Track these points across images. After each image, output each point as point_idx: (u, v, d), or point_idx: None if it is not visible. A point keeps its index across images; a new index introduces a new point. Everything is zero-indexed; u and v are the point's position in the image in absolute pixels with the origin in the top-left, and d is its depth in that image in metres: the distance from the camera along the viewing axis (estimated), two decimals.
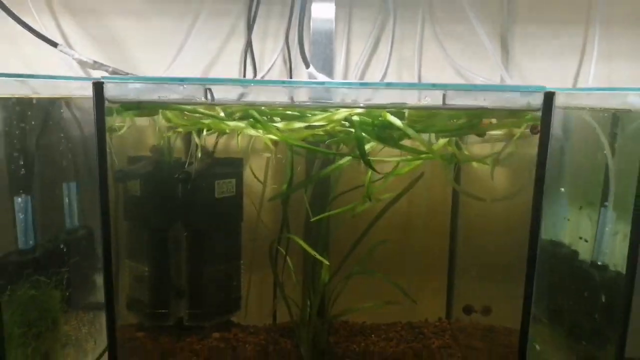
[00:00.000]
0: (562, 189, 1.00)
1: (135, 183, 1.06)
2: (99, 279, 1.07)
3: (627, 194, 0.79)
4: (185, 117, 0.84)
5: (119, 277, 1.05)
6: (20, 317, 0.89)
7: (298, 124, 0.79)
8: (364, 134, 0.80)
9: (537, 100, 0.71)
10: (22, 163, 0.90)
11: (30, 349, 0.91)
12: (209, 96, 0.72)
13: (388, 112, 0.75)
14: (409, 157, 0.86)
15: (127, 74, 1.19)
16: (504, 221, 1.02)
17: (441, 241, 1.25)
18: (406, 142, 0.86)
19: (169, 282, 1.11)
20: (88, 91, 0.75)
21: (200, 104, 0.76)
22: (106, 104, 0.71)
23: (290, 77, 1.25)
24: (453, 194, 1.23)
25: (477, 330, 1.10)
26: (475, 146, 1.04)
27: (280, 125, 0.80)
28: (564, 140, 1.00)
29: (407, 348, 1.12)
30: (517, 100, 0.73)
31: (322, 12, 1.19)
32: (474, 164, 0.99)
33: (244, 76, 1.24)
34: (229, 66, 1.26)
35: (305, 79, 1.20)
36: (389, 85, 0.76)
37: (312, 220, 0.96)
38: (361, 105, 0.71)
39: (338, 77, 1.25)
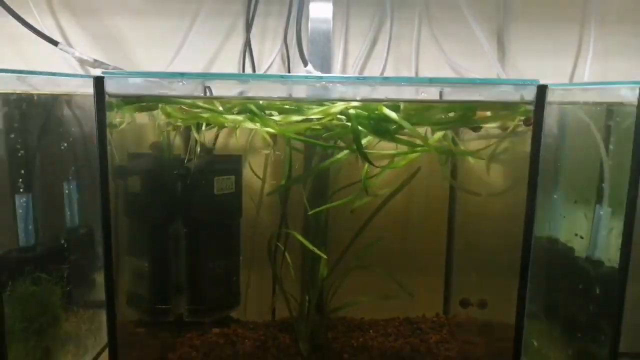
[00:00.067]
0: (559, 186, 1.01)
1: (135, 179, 1.07)
2: (99, 276, 1.08)
3: (623, 190, 0.80)
4: (185, 112, 0.84)
5: (119, 273, 1.06)
6: (21, 313, 0.90)
7: (295, 117, 0.79)
8: (360, 128, 0.81)
9: (531, 94, 0.72)
10: (23, 159, 0.90)
11: (31, 344, 0.91)
12: (207, 93, 0.73)
13: (384, 105, 0.76)
14: (406, 150, 0.87)
15: None
16: (501, 217, 1.03)
17: (438, 237, 1.26)
18: (402, 137, 0.88)
19: (168, 278, 1.12)
20: (89, 90, 0.77)
21: (200, 97, 0.77)
22: (107, 98, 0.72)
23: None
24: (450, 190, 1.24)
25: (474, 325, 1.10)
26: (471, 143, 1.05)
27: (277, 118, 0.81)
28: (559, 137, 1.01)
29: (405, 343, 1.12)
30: (511, 95, 0.74)
31: (320, 12, 1.20)
32: (470, 159, 1.00)
33: None
34: (228, 65, 1.27)
35: None
36: (386, 79, 0.77)
37: (309, 213, 0.96)
38: (357, 98, 0.71)
39: None
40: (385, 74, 1.28)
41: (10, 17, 1.17)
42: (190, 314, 1.13)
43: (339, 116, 0.83)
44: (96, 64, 1.21)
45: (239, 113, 0.82)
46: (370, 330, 1.18)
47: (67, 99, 1.02)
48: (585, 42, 1.28)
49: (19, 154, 0.90)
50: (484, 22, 1.26)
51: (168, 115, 0.88)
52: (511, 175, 1.01)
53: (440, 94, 0.71)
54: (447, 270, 1.27)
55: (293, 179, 1.00)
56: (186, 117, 0.85)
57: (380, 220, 1.07)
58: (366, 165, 0.90)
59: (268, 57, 1.28)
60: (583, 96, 0.92)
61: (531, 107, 0.72)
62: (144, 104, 0.82)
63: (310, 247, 0.97)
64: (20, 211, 0.91)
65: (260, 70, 1.27)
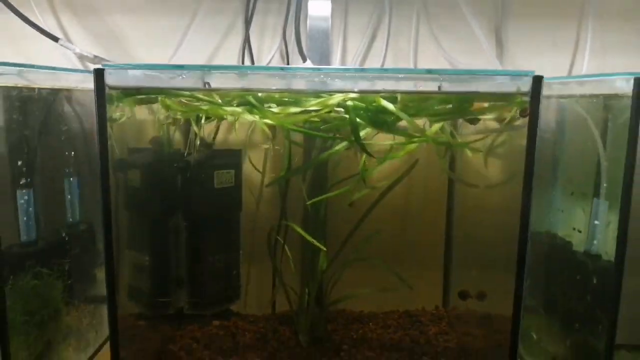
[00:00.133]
0: (556, 180, 1.02)
1: (136, 173, 1.08)
2: (100, 271, 1.09)
3: (620, 184, 0.80)
4: (184, 105, 0.85)
5: (120, 267, 1.07)
6: (22, 307, 0.91)
7: (294, 109, 0.80)
8: (358, 119, 0.82)
9: (527, 85, 0.73)
10: (24, 154, 0.91)
11: (32, 337, 0.92)
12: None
13: (381, 97, 0.77)
14: (403, 140, 0.88)
15: None
16: (500, 209, 1.04)
17: (437, 230, 1.27)
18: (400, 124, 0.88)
19: (168, 272, 1.13)
20: (89, 85, 0.77)
21: (199, 90, 0.77)
22: (107, 90, 0.73)
23: None
24: (449, 184, 1.25)
25: (473, 317, 1.11)
26: (469, 138, 1.06)
27: (276, 109, 0.82)
28: (557, 131, 1.02)
29: (404, 335, 1.13)
30: (507, 86, 0.74)
31: (319, 8, 1.21)
32: (468, 152, 1.01)
33: None
34: (228, 62, 1.28)
35: None
36: (384, 70, 0.78)
37: (308, 203, 0.97)
38: (355, 90, 0.72)
39: None
40: None
41: (12, 14, 1.19)
42: (191, 307, 1.14)
43: (337, 109, 0.84)
44: (96, 60, 1.22)
45: (238, 106, 0.83)
46: (370, 323, 1.19)
47: (68, 95, 1.03)
48: (582, 38, 1.28)
49: (20, 149, 0.91)
50: (482, 19, 1.27)
51: (167, 107, 0.88)
52: (510, 168, 1.02)
53: (439, 89, 0.73)
54: (446, 263, 1.28)
55: (292, 170, 1.01)
56: (186, 109, 0.86)
57: (379, 213, 1.07)
58: (364, 156, 0.90)
59: (267, 54, 1.29)
60: (579, 90, 0.93)
61: (527, 98, 0.72)
62: (143, 96, 0.83)
63: (309, 239, 0.98)
64: (22, 202, 0.91)
65: None
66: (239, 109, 0.82)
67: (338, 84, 0.75)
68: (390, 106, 0.77)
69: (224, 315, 1.19)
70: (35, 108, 0.95)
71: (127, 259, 1.12)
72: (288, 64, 1.28)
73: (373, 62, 1.30)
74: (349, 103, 0.79)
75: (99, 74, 0.73)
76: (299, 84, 0.77)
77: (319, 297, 1.11)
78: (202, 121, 1.00)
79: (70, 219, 1.04)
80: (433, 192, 1.26)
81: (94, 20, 1.28)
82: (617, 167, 0.79)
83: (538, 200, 1.02)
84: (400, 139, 0.88)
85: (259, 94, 0.81)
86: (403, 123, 0.89)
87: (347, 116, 0.81)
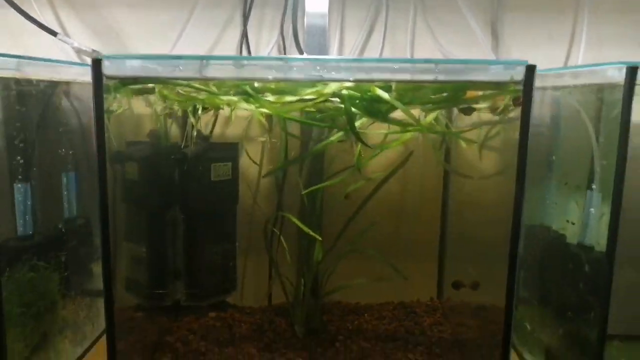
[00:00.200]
0: (550, 172, 1.02)
1: (133, 166, 1.08)
2: (97, 265, 1.10)
3: (612, 175, 0.81)
4: (181, 95, 0.86)
5: (117, 259, 1.07)
6: (19, 298, 0.91)
7: (289, 97, 0.81)
8: (353, 109, 0.82)
9: (520, 74, 0.74)
10: (21, 147, 0.92)
11: (28, 328, 0.92)
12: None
13: (376, 86, 0.78)
14: (398, 130, 0.88)
15: None
16: (494, 202, 1.04)
17: (433, 223, 1.28)
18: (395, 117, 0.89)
19: (165, 264, 1.14)
20: (87, 78, 0.78)
21: (196, 79, 0.78)
22: (104, 80, 0.74)
23: None
24: (444, 176, 1.26)
25: (468, 308, 1.12)
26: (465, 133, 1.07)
27: (272, 99, 0.82)
28: (551, 124, 1.03)
29: (399, 326, 1.14)
30: (501, 76, 0.75)
31: (316, 3, 1.21)
32: (463, 143, 1.01)
33: None
34: None
35: None
36: (380, 60, 0.79)
37: (303, 192, 0.98)
38: (350, 79, 0.73)
39: None
40: None
41: (10, 9, 1.19)
42: (188, 298, 1.15)
43: (332, 99, 0.85)
44: (94, 54, 1.22)
45: (234, 96, 0.84)
46: (365, 314, 1.20)
47: (66, 89, 1.03)
48: (578, 31, 1.29)
49: (18, 143, 0.91)
50: (478, 12, 1.27)
51: (165, 98, 0.89)
52: (504, 161, 1.02)
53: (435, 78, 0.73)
54: (440, 255, 1.29)
55: (289, 160, 1.02)
56: (183, 99, 0.87)
57: (374, 206, 1.08)
58: (359, 146, 0.91)
59: (265, 48, 1.30)
60: (573, 81, 0.94)
61: (520, 87, 0.73)
62: (140, 86, 0.84)
63: (305, 229, 0.98)
64: (19, 196, 0.91)
65: None
66: (235, 98, 0.83)
67: (334, 75, 0.76)
68: (385, 95, 0.78)
69: (221, 307, 1.19)
70: (34, 101, 0.95)
71: (124, 251, 1.13)
72: None
73: (370, 55, 1.31)
74: (344, 92, 0.79)
75: (96, 64, 0.74)
76: (295, 76, 0.78)
77: (315, 289, 1.12)
78: (199, 112, 1.00)
79: (68, 213, 1.05)
80: (428, 185, 1.27)
81: (92, 15, 1.29)
82: (611, 159, 0.80)
83: (532, 193, 1.02)
84: (395, 128, 0.89)
85: (256, 84, 0.81)
86: (397, 115, 0.90)
87: (342, 106, 0.82)
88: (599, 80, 0.84)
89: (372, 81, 0.76)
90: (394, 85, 0.78)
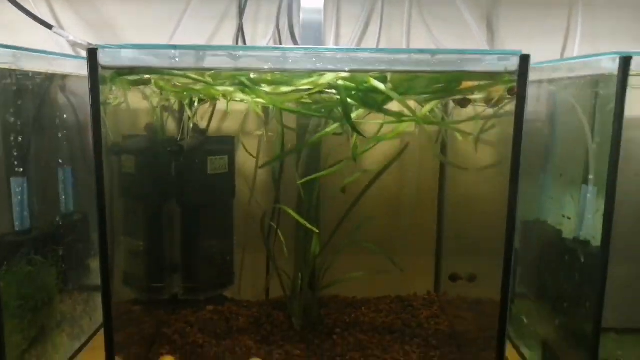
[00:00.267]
0: (546, 167, 1.03)
1: (130, 159, 1.08)
2: (94, 260, 1.10)
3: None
4: (177, 86, 0.86)
5: (114, 253, 1.07)
6: (17, 291, 0.91)
7: (285, 88, 0.81)
8: (349, 100, 0.82)
9: (514, 64, 0.74)
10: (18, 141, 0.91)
11: (26, 320, 0.92)
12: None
13: (372, 77, 0.78)
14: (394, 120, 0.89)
15: None
16: (490, 196, 1.05)
17: (430, 217, 1.29)
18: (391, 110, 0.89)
19: (162, 258, 1.14)
20: (83, 71, 0.78)
21: (192, 69, 0.78)
22: (100, 70, 0.74)
23: None
24: (440, 171, 1.26)
25: (465, 302, 1.12)
26: (461, 126, 1.07)
27: (268, 89, 0.83)
28: (547, 119, 1.03)
29: (396, 319, 1.15)
30: (495, 66, 0.75)
31: None
32: (458, 136, 1.02)
33: None
34: None
35: None
36: (376, 50, 0.79)
37: (299, 182, 0.98)
38: (346, 69, 0.73)
39: None
40: None
41: (6, 3, 1.19)
42: (185, 292, 1.15)
43: (328, 90, 0.85)
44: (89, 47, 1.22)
45: (230, 86, 0.84)
46: (363, 308, 1.21)
47: (62, 84, 1.03)
48: (573, 26, 1.30)
49: (14, 137, 0.91)
50: (474, 6, 1.28)
51: (161, 89, 0.89)
52: (500, 155, 1.03)
53: None
54: (437, 250, 1.29)
55: (286, 151, 1.02)
56: (179, 90, 0.87)
57: (371, 200, 1.09)
58: (355, 136, 0.91)
59: (261, 42, 1.29)
60: (568, 74, 0.94)
61: (515, 77, 0.73)
62: (137, 77, 0.84)
63: (301, 221, 0.99)
64: (16, 192, 0.91)
65: None
66: (231, 89, 0.83)
67: (330, 66, 0.76)
68: (380, 86, 0.78)
69: (218, 300, 1.20)
70: (29, 94, 0.95)
71: (122, 245, 1.13)
72: None
73: None
74: (340, 83, 0.79)
75: (92, 53, 0.74)
76: (291, 67, 0.78)
77: (312, 282, 1.12)
78: (196, 104, 1.00)
79: (65, 207, 1.05)
80: (425, 179, 1.27)
81: (88, 8, 1.28)
82: (606, 153, 0.80)
83: (529, 188, 1.03)
84: (391, 120, 0.89)
85: (252, 75, 0.82)
86: (393, 106, 0.90)
87: (338, 97, 0.82)
88: (593, 72, 0.84)
89: (367, 71, 0.77)
90: (389, 76, 0.78)
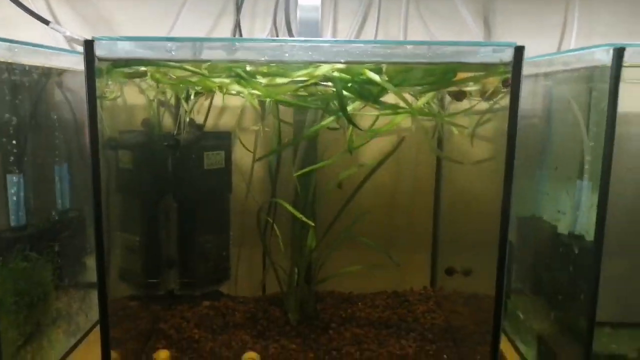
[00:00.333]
0: (541, 163, 1.03)
1: (126, 154, 1.08)
2: (90, 257, 1.10)
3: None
4: (174, 78, 0.86)
5: (110, 248, 1.07)
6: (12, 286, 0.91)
7: (281, 80, 0.81)
8: (345, 92, 0.83)
9: (508, 56, 0.74)
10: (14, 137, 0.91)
11: (22, 316, 0.92)
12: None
13: (367, 68, 0.78)
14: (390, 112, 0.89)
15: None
16: (486, 191, 1.05)
17: (426, 213, 1.29)
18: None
19: (159, 253, 1.14)
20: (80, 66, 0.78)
21: (188, 61, 0.78)
22: (96, 62, 0.74)
23: None
24: (437, 165, 1.26)
25: (461, 297, 1.12)
26: (457, 118, 1.07)
27: (263, 81, 0.83)
28: (542, 115, 1.04)
29: (392, 314, 1.15)
30: (490, 58, 0.75)
31: None
32: (455, 130, 1.02)
33: None
34: None
35: None
36: (373, 42, 0.79)
37: (295, 174, 0.98)
38: (341, 60, 0.73)
39: None
40: None
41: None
42: (181, 287, 1.15)
43: (323, 83, 0.85)
44: None
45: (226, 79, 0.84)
46: (359, 303, 1.21)
47: (58, 80, 1.03)
48: (570, 20, 1.30)
49: (10, 132, 0.91)
50: (470, 2, 1.28)
51: (157, 81, 0.89)
52: (495, 149, 1.03)
53: None
54: (434, 245, 1.29)
55: (283, 145, 1.02)
56: (175, 82, 0.87)
57: (367, 195, 1.09)
58: (350, 128, 0.92)
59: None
60: (564, 68, 0.94)
61: (509, 69, 0.74)
62: (133, 70, 0.84)
63: (297, 215, 0.99)
64: (12, 187, 0.91)
65: None
66: (227, 80, 0.83)
67: (325, 59, 0.76)
68: (376, 77, 0.78)
69: (214, 296, 1.20)
70: (26, 89, 0.95)
71: (118, 241, 1.13)
72: None
73: None
74: (335, 74, 0.80)
75: (88, 45, 0.74)
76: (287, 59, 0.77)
77: (308, 277, 1.12)
78: (192, 97, 1.00)
79: (61, 203, 1.05)
80: (421, 174, 1.28)
81: (84, 4, 1.28)
82: (600, 148, 0.79)
83: (526, 185, 1.04)
84: (387, 112, 0.90)
85: (248, 67, 0.82)
86: (388, 99, 0.90)
87: (334, 89, 0.82)
88: (587, 64, 0.85)
89: (363, 63, 0.77)
90: (384, 68, 0.78)
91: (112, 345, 0.84)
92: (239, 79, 0.81)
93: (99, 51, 0.75)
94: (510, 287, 1.08)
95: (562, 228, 0.95)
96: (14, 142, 0.90)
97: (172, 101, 1.14)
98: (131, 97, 1.04)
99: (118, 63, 0.79)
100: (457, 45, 0.75)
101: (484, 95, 0.87)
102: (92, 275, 0.98)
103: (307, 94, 0.89)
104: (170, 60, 0.77)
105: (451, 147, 1.17)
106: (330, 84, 0.86)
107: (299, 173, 0.97)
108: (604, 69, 0.76)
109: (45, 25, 1.23)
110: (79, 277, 1.09)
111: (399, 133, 1.12)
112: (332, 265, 1.15)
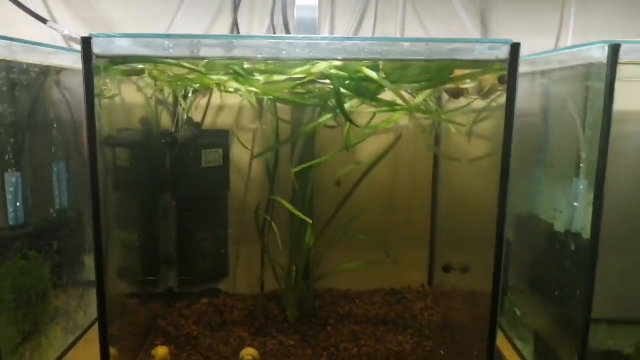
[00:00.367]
0: (538, 161, 1.03)
1: (124, 152, 1.08)
2: (89, 255, 1.10)
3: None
4: (171, 75, 0.87)
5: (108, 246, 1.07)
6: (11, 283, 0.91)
7: (278, 77, 0.82)
8: (342, 89, 0.83)
9: (504, 53, 0.75)
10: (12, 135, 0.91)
11: (20, 313, 0.93)
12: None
13: (364, 66, 0.79)
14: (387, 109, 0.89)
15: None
16: (483, 189, 1.05)
17: (423, 211, 1.29)
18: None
19: (157, 250, 1.14)
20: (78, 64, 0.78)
21: (185, 58, 0.79)
22: (94, 59, 0.74)
23: None
24: (434, 163, 1.27)
25: (458, 294, 1.13)
26: (454, 118, 1.08)
27: (261, 78, 0.83)
28: (539, 114, 1.04)
29: (390, 311, 1.15)
30: (486, 55, 0.76)
31: None
32: (452, 128, 1.02)
33: None
34: None
35: None
36: (370, 39, 0.79)
37: (293, 170, 0.99)
38: (338, 58, 0.74)
39: None
40: None
41: None
42: (180, 285, 1.15)
43: (321, 80, 0.85)
44: None
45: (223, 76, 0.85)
46: (356, 300, 1.21)
47: (56, 79, 1.03)
48: (566, 21, 1.31)
49: (9, 131, 0.91)
50: (467, 2, 1.28)
51: (155, 78, 0.89)
52: (492, 147, 1.03)
53: None
54: (431, 243, 1.30)
55: (280, 141, 1.02)
56: (172, 79, 0.87)
57: (365, 193, 1.09)
58: (348, 125, 0.92)
59: None
60: (560, 66, 0.95)
61: (505, 65, 0.74)
62: (130, 67, 0.84)
63: (295, 212, 0.99)
64: (11, 185, 0.91)
65: None
66: (225, 77, 0.83)
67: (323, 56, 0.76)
68: (373, 74, 0.79)
69: (212, 293, 1.20)
70: (24, 87, 0.95)
71: (116, 239, 1.13)
72: None
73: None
74: (333, 72, 0.80)
75: (86, 42, 0.74)
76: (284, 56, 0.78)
77: (306, 274, 1.13)
78: (190, 94, 1.00)
79: (59, 202, 1.05)
80: (419, 172, 1.28)
81: (82, 2, 1.28)
82: (596, 145, 0.80)
83: (523, 183, 1.04)
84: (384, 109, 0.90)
85: (245, 65, 0.82)
86: (386, 96, 0.91)
87: (332, 87, 0.82)
88: (583, 62, 0.85)
89: (360, 60, 0.77)
90: (381, 65, 0.79)
91: (110, 342, 0.84)
92: (237, 76, 0.81)
93: (97, 48, 0.75)
94: (507, 284, 1.09)
95: (559, 225, 0.96)
96: (12, 140, 0.91)
97: (170, 99, 1.14)
98: (129, 95, 1.05)
99: (115, 60, 0.79)
100: (454, 42, 0.75)
101: (480, 92, 0.87)
102: (90, 273, 0.98)
103: (304, 91, 0.90)
104: (167, 58, 0.77)
105: (448, 144, 1.18)
106: (327, 81, 0.86)
107: (296, 169, 0.97)
108: (599, 66, 0.77)
109: (43, 24, 1.23)
110: (78, 275, 1.09)
111: (396, 130, 1.12)
112: (330, 263, 1.16)
